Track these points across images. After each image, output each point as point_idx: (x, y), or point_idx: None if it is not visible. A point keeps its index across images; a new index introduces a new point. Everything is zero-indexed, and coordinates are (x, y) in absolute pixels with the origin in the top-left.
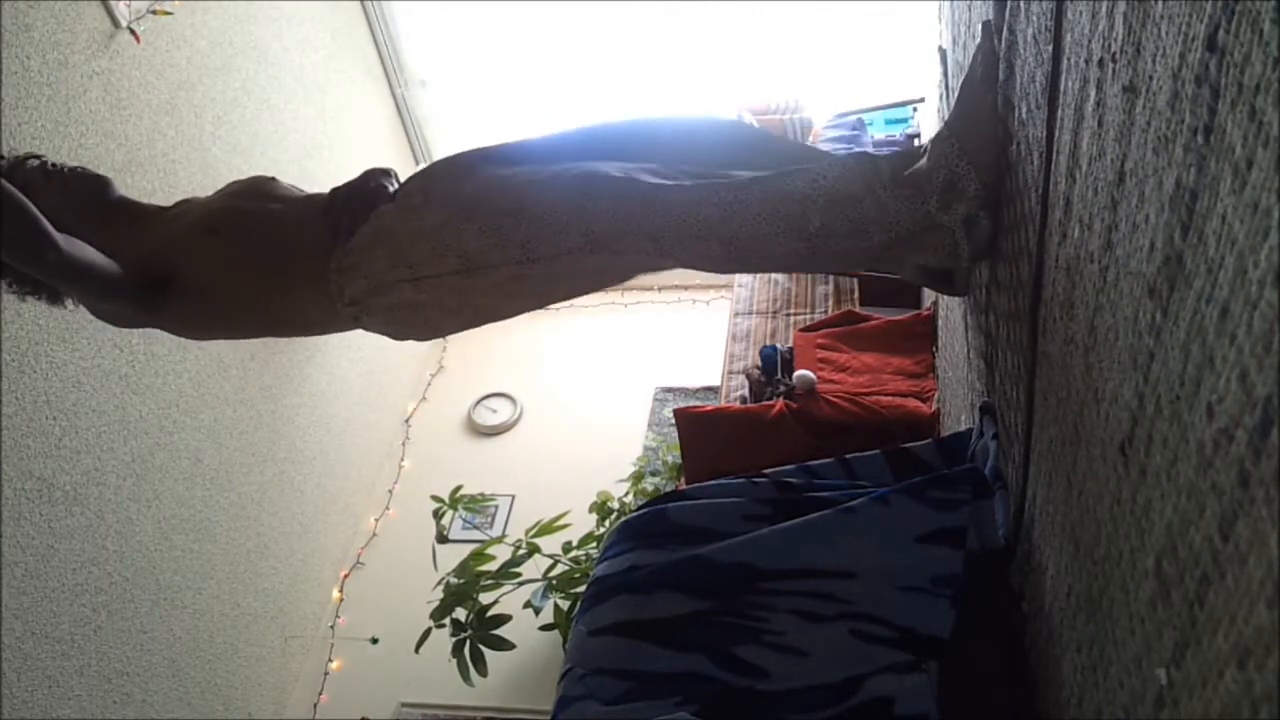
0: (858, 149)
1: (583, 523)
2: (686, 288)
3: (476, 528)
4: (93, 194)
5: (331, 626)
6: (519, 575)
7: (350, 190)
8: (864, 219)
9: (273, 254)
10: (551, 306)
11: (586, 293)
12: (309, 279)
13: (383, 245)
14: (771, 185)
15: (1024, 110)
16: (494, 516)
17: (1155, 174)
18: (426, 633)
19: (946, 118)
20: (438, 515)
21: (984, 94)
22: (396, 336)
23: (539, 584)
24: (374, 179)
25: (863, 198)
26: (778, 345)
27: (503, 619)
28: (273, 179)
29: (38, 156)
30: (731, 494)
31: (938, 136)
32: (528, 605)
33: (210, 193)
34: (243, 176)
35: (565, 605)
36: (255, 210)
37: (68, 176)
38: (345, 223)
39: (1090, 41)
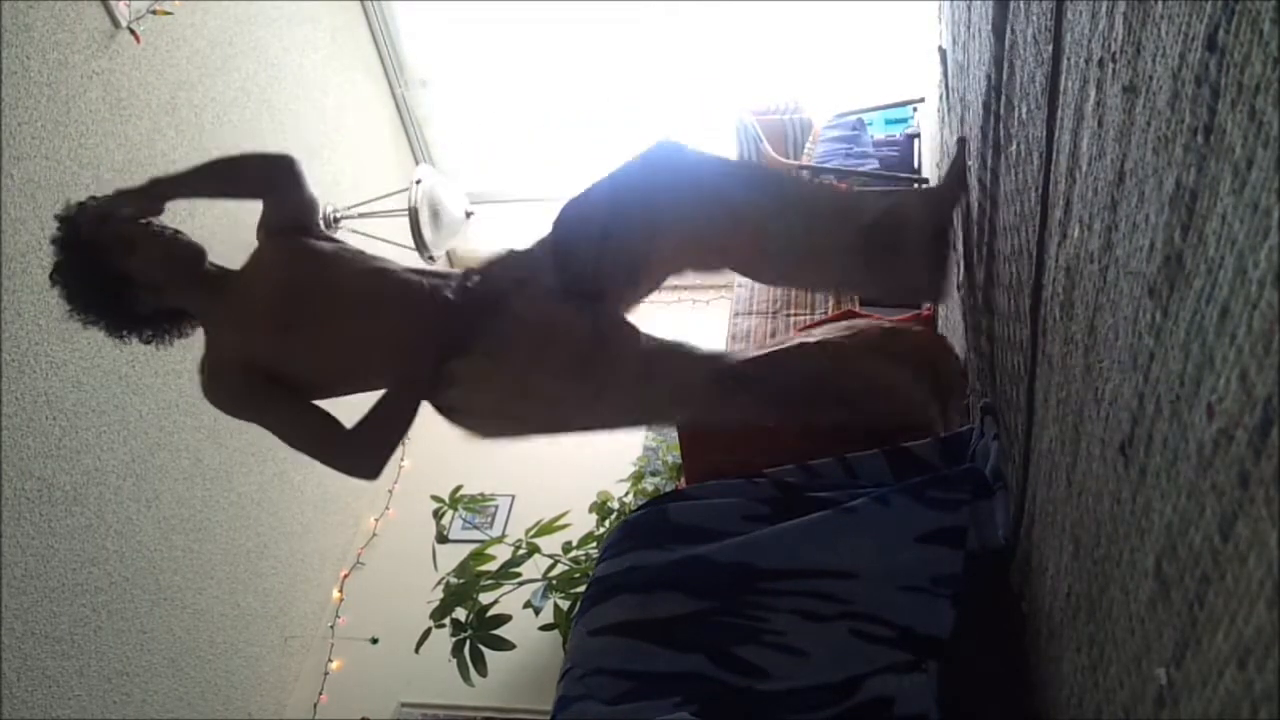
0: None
1: (583, 523)
2: (686, 288)
3: (476, 528)
4: (192, 263)
5: (331, 626)
6: (519, 575)
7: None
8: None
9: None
10: None
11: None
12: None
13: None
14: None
15: (1024, 110)
16: (494, 516)
17: (1155, 174)
18: (426, 633)
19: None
20: (438, 515)
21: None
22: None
23: (539, 584)
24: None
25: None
26: None
27: (503, 619)
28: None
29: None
30: (731, 494)
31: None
32: (528, 605)
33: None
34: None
35: (565, 605)
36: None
37: (170, 242)
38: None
39: (1090, 41)
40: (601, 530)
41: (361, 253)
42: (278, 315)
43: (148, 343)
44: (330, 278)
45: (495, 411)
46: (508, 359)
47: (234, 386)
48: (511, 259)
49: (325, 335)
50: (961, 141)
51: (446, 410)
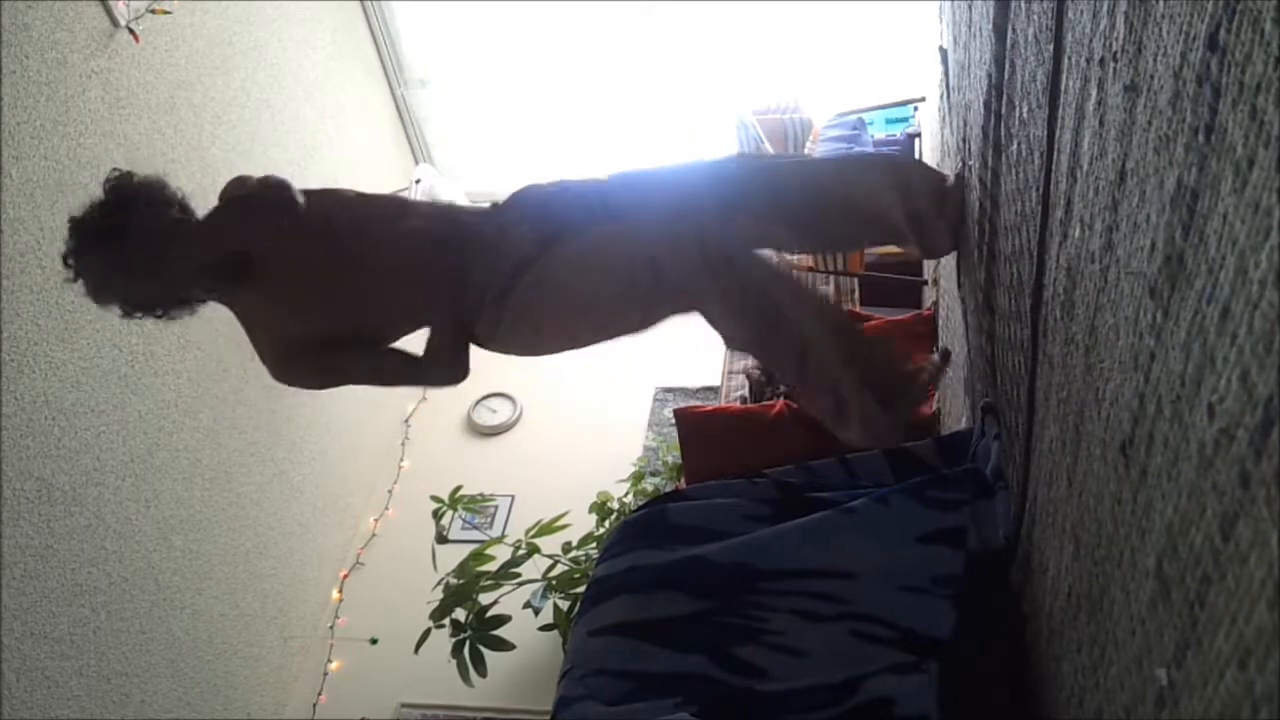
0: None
1: (583, 523)
2: None
3: (476, 528)
4: (236, 266)
5: (331, 626)
6: (519, 575)
7: None
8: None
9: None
10: None
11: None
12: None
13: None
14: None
15: (1025, 110)
16: (494, 516)
17: (1156, 173)
18: (426, 633)
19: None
20: (437, 515)
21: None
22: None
23: (539, 584)
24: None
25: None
26: None
27: (502, 619)
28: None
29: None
30: (731, 494)
31: None
32: (527, 605)
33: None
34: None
35: (565, 605)
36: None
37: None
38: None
39: (1091, 41)
40: (601, 530)
41: (363, 202)
42: (310, 298)
43: (159, 318)
44: (345, 246)
45: (547, 333)
46: (559, 289)
47: (304, 367)
48: (534, 196)
49: (362, 303)
50: (959, 178)
51: (488, 342)
